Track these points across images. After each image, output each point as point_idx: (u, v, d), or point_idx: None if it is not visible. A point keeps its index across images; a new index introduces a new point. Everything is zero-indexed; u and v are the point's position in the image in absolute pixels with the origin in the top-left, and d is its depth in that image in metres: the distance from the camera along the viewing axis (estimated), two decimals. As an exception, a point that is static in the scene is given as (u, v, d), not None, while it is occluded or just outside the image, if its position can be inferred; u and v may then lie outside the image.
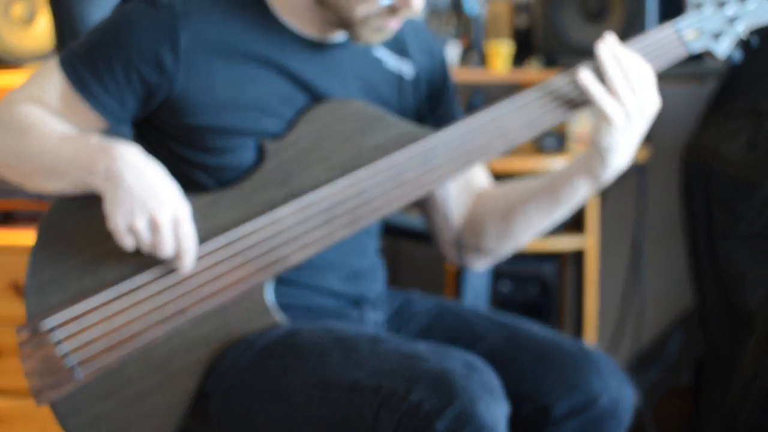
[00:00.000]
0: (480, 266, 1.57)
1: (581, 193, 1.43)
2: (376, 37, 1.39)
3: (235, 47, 1.38)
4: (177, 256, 1.34)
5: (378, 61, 1.49)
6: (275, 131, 1.39)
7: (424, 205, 1.55)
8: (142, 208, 1.31)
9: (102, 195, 1.33)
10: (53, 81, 1.39)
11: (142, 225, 1.31)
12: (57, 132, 1.36)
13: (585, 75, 1.36)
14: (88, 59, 1.37)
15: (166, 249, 1.33)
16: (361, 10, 1.34)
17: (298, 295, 1.43)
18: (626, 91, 1.34)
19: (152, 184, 1.32)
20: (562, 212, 1.46)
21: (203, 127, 1.37)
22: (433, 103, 1.54)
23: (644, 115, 1.36)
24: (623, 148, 1.37)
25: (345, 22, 1.37)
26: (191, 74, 1.36)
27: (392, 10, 1.35)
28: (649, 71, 1.37)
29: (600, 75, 1.36)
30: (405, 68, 1.51)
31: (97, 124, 1.40)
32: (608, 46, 1.36)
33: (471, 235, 1.53)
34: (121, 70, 1.35)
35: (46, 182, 1.38)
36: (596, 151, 1.38)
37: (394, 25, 1.38)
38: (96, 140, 1.35)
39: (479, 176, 1.56)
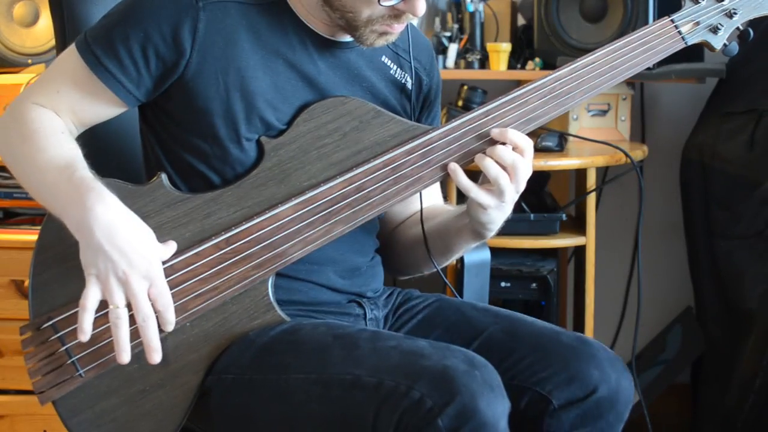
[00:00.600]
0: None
1: (471, 245, 1.53)
2: (380, 41, 1.40)
3: (250, 36, 1.39)
4: (159, 319, 1.32)
5: (384, 67, 1.51)
6: (276, 123, 1.40)
7: None
8: (112, 268, 1.29)
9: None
10: (69, 65, 1.39)
11: (113, 286, 1.30)
12: (51, 152, 1.35)
13: (454, 168, 1.38)
14: (104, 39, 1.37)
15: (143, 315, 1.31)
16: (364, 13, 1.35)
17: (297, 289, 1.44)
18: (503, 181, 1.37)
19: (122, 243, 1.29)
20: (455, 256, 1.57)
21: (209, 111, 1.38)
22: (420, 120, 1.56)
23: (519, 189, 1.39)
24: (500, 216, 1.42)
25: (350, 24, 1.38)
26: (206, 57, 1.37)
27: (395, 14, 1.36)
28: (529, 149, 1.38)
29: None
30: (407, 79, 1.53)
31: (113, 107, 1.40)
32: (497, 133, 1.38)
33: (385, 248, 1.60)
34: (138, 47, 1.36)
35: (34, 195, 1.37)
36: (476, 223, 1.44)
37: (397, 28, 1.39)
38: (78, 178, 1.32)
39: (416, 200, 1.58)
